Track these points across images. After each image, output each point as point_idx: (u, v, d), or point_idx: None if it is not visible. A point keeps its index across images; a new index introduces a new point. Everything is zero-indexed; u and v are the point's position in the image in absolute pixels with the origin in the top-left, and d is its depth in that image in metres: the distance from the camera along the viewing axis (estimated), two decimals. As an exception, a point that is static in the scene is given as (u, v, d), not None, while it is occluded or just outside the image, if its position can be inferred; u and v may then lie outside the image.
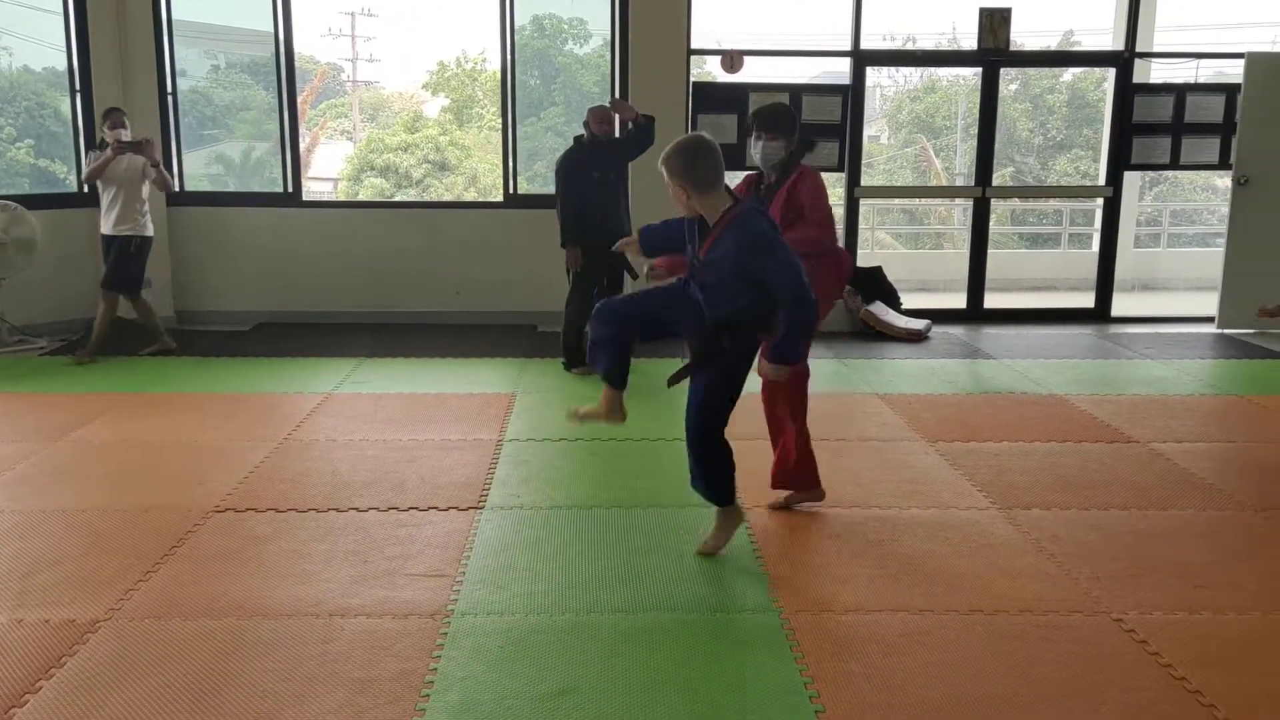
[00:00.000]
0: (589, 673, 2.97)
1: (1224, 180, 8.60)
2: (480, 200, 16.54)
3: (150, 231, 7.08)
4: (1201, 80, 10.27)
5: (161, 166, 7.01)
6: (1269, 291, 8.14)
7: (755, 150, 4.15)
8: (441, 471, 4.70)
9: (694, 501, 4.31)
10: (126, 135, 6.95)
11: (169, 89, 8.15)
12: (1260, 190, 8.10)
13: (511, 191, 8.51)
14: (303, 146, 22.40)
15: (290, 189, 8.39)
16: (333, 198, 21.07)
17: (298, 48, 8.51)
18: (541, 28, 20.09)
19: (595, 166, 6.56)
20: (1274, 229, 8.13)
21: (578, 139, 6.77)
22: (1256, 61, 8.08)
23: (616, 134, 7.07)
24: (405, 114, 24.92)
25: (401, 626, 3.23)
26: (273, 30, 8.14)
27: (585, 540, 3.94)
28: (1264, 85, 7.99)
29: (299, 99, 9.61)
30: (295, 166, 8.42)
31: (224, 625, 3.23)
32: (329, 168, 24.00)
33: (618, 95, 8.28)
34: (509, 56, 8.29)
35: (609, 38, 8.39)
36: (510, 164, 8.45)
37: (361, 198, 20.22)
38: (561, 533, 4.02)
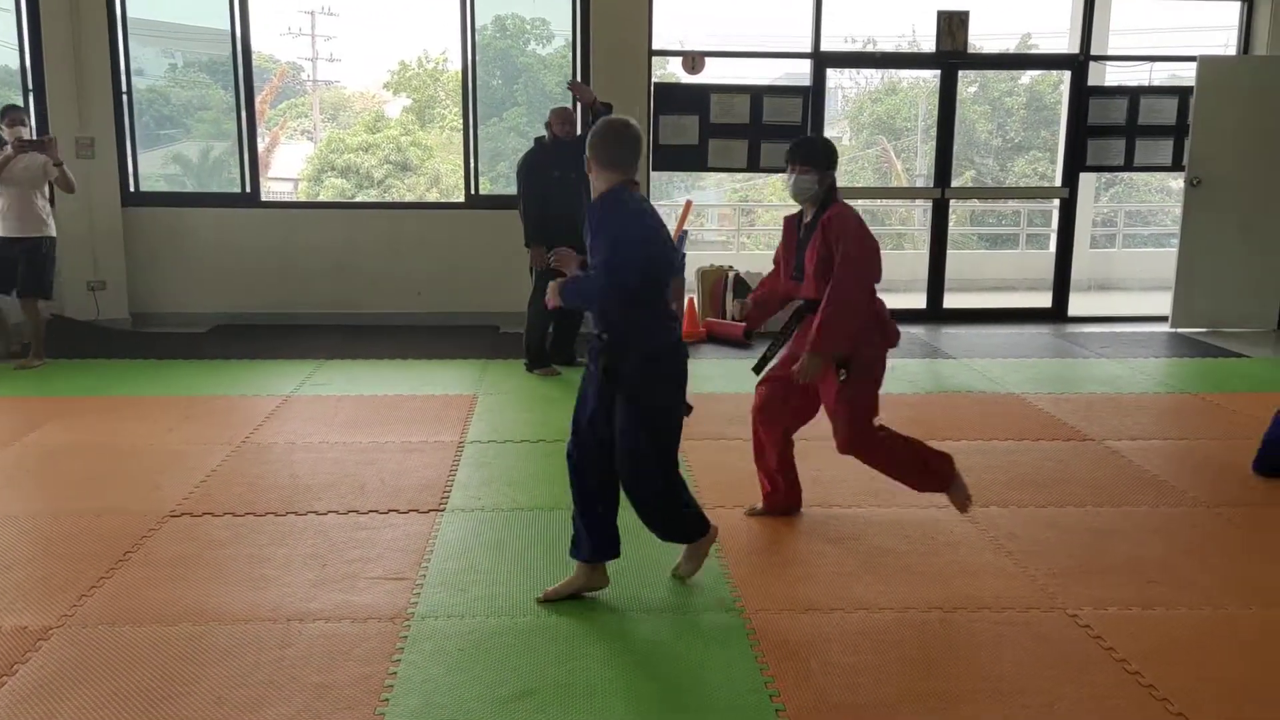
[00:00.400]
0: (550, 675, 2.96)
1: (1177, 182, 8.75)
2: (442, 201, 16.46)
3: (54, 232, 6.91)
4: (1155, 83, 10.45)
5: (65, 166, 6.81)
6: (1221, 291, 8.30)
7: (787, 184, 3.95)
8: (402, 474, 4.67)
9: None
10: (27, 134, 6.80)
11: (124, 88, 8.04)
12: (1212, 191, 8.24)
13: (473, 192, 8.47)
14: (262, 146, 22.17)
15: (248, 189, 8.30)
16: (293, 198, 20.90)
17: (257, 47, 8.42)
18: (504, 28, 20.03)
19: (556, 166, 6.57)
20: (1226, 230, 8.27)
21: (539, 140, 6.79)
22: (1208, 65, 8.22)
23: (579, 134, 7.06)
24: (366, 114, 24.74)
25: (361, 630, 3.20)
26: (230, 29, 8.05)
27: (547, 542, 3.93)
28: (1216, 88, 8.13)
29: (258, 98, 9.51)
30: (253, 166, 8.33)
31: (179, 631, 3.19)
32: (289, 168, 23.77)
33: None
34: (470, 56, 8.26)
35: (571, 38, 8.38)
36: (472, 164, 8.41)
37: (322, 198, 20.05)
38: (523, 535, 4.00)
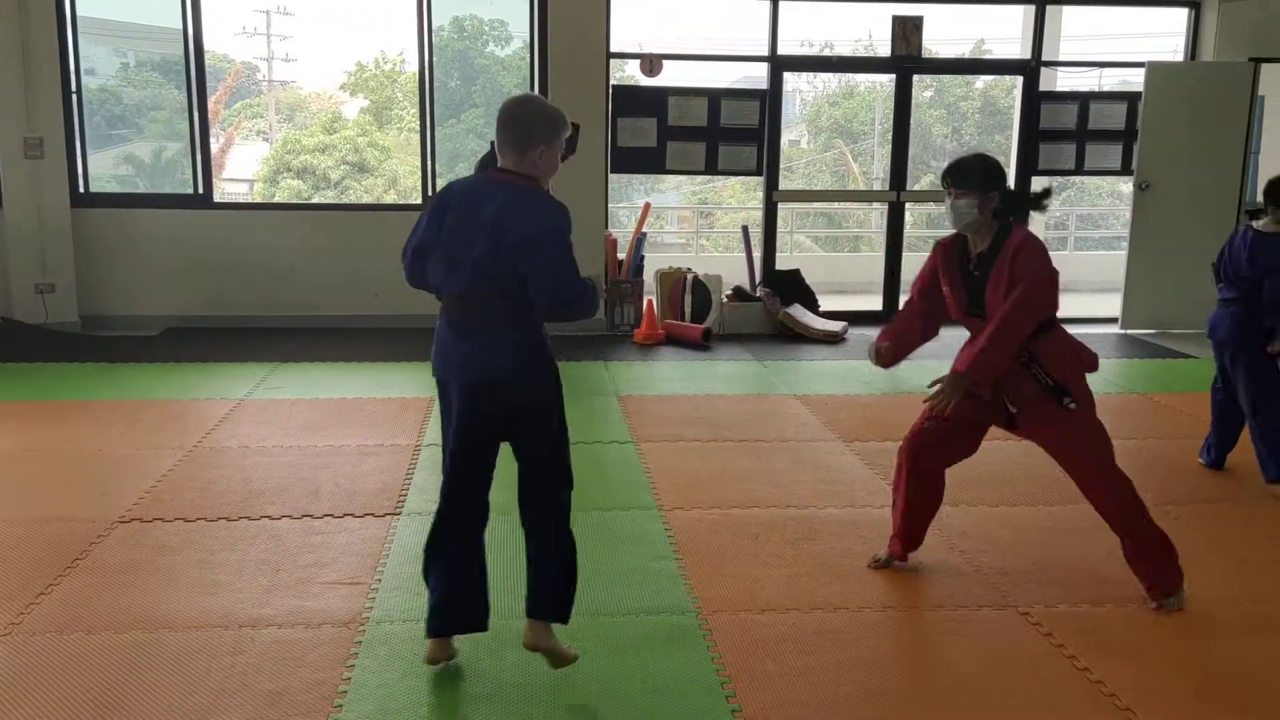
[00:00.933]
0: (506, 678, 2.96)
1: (1127, 186, 8.90)
2: (399, 203, 16.35)
3: None
4: (1105, 88, 10.62)
5: None
6: (1169, 293, 8.45)
7: (947, 210, 3.49)
8: (357, 478, 4.64)
9: (615, 505, 4.33)
10: None
11: (74, 87, 7.90)
12: (1160, 195, 8.39)
13: (431, 194, 8.42)
14: (216, 147, 21.87)
15: (201, 190, 8.19)
16: (249, 199, 20.65)
17: (211, 46, 8.34)
18: (462, 29, 19.96)
19: None
20: (1174, 232, 8.43)
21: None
22: (1157, 70, 8.37)
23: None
24: (323, 114, 24.52)
25: (314, 636, 3.17)
26: (182, 27, 7.95)
27: (504, 545, 3.90)
28: (1164, 93, 8.28)
29: (212, 98, 9.40)
30: (206, 167, 8.22)
31: (129, 639, 3.14)
32: (245, 169, 23.48)
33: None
34: (427, 58, 8.21)
35: (529, 40, 8.36)
36: (429, 166, 8.37)
37: (278, 199, 19.84)
38: (480, 538, 3.98)
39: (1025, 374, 3.42)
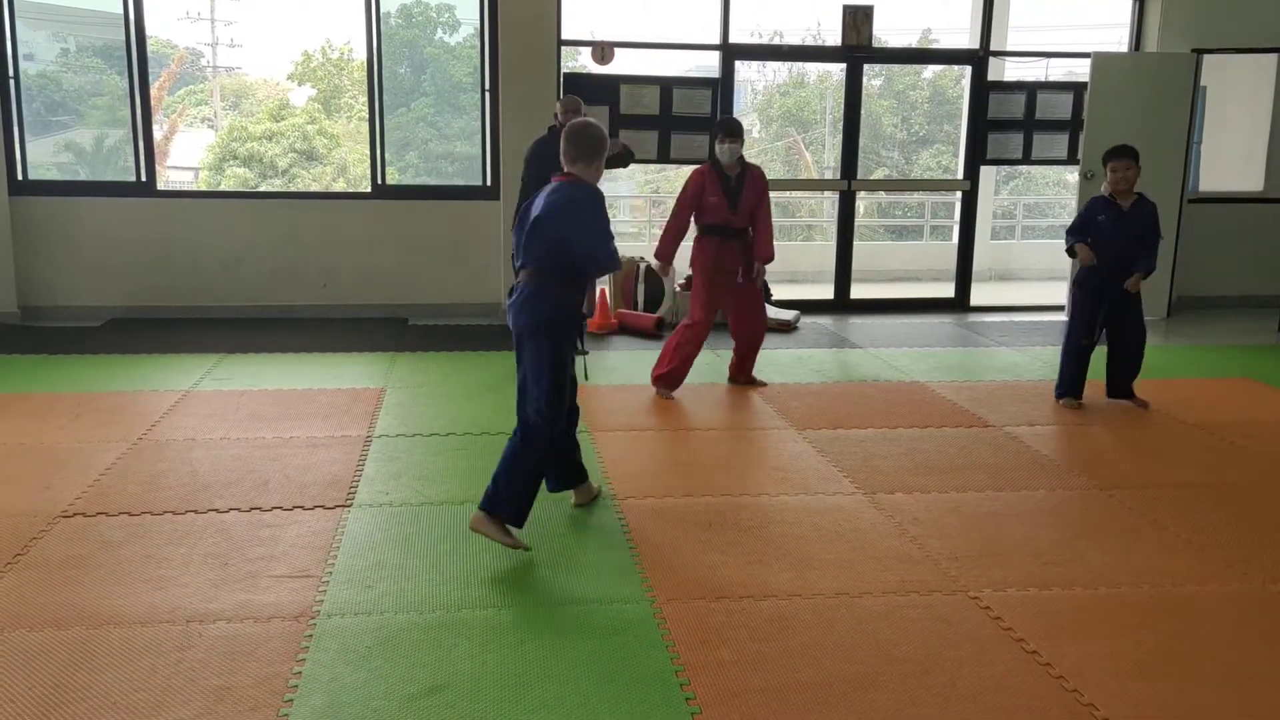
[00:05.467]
0: (460, 670, 2.94)
1: (1073, 175, 9.03)
2: (348, 191, 16.16)
3: None
4: (1051, 79, 10.75)
5: None
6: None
7: (723, 151, 5.89)
8: (307, 469, 4.58)
9: (566, 496, 4.32)
10: None
11: (11, 72, 7.71)
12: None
13: (380, 182, 8.33)
14: (160, 134, 21.46)
15: (143, 178, 8.03)
16: (193, 187, 20.29)
17: (154, 31, 8.17)
18: (410, 16, 19.72)
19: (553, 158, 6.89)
20: (1118, 222, 8.53)
21: (551, 128, 6.99)
22: (1101, 61, 8.49)
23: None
24: (270, 101, 24.12)
25: (264, 630, 3.13)
26: (123, 12, 7.78)
27: (456, 536, 3.89)
28: (1108, 84, 8.40)
29: (155, 85, 9.21)
30: (149, 155, 8.06)
31: (72, 635, 3.08)
32: (189, 156, 23.05)
33: (487, 85, 8.20)
34: (375, 45, 8.11)
35: (478, 27, 8.28)
36: (378, 154, 8.27)
37: (224, 188, 19.50)
38: (432, 529, 3.96)
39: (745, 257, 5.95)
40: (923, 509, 4.26)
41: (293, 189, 19.27)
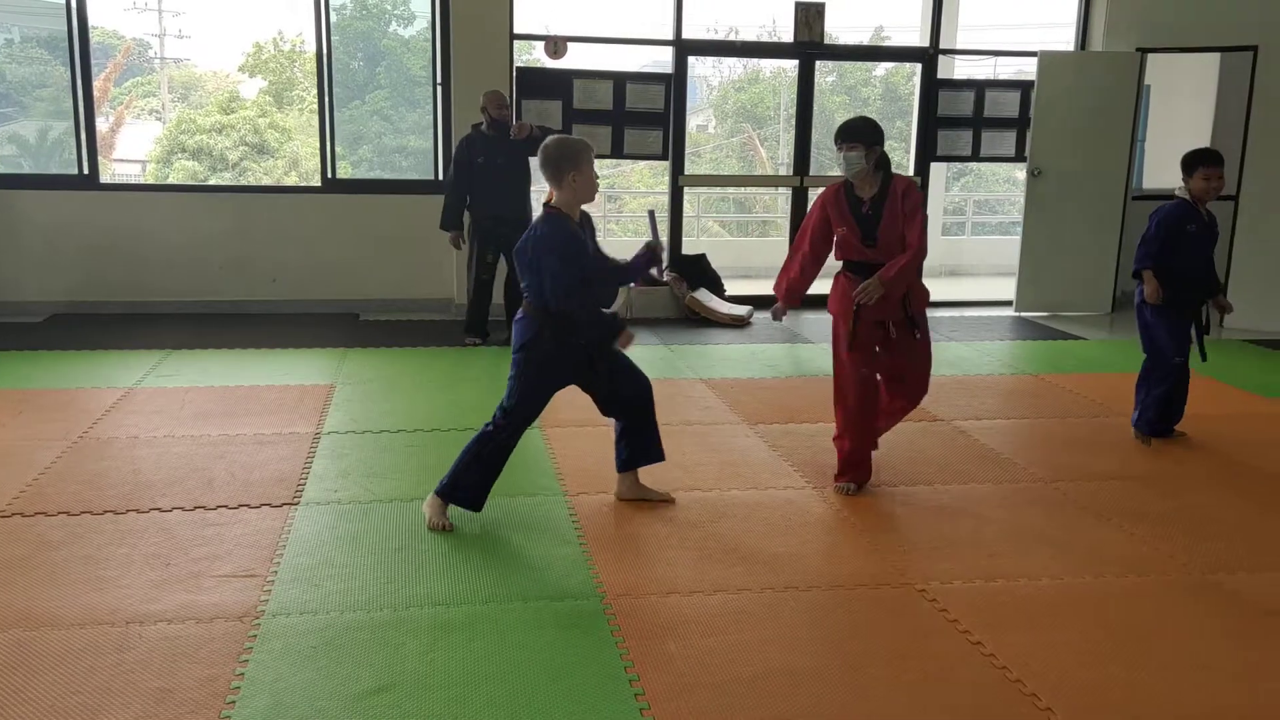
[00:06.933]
0: (407, 668, 2.91)
1: (1021, 172, 9.14)
2: (301, 185, 15.98)
3: None
4: (1000, 77, 10.89)
5: None
6: (1060, 277, 8.71)
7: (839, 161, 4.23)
8: (254, 467, 4.52)
9: (521, 491, 4.30)
10: None
11: (-53, 61, 7.52)
12: (1052, 182, 8.64)
13: (330, 176, 8.23)
14: (106, 126, 21.02)
15: (86, 171, 7.87)
16: (140, 180, 19.93)
17: (100, 21, 8.04)
18: (365, 8, 19.53)
19: (481, 152, 6.98)
20: (1064, 218, 8.68)
21: (475, 125, 7.11)
22: (1048, 60, 8.60)
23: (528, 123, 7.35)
24: (220, 94, 23.75)
25: (206, 631, 3.08)
26: (65, 1, 7.61)
27: (405, 534, 3.86)
28: (1055, 82, 8.52)
29: (101, 76, 9.03)
30: (91, 147, 7.90)
31: (8, 638, 3.01)
32: (137, 149, 22.64)
33: (439, 79, 8.14)
34: (325, 36, 8.01)
35: (431, 20, 8.21)
36: (328, 148, 8.17)
37: (172, 181, 19.19)
38: (381, 527, 3.92)
39: (899, 305, 4.30)
40: (872, 503, 4.29)
41: (244, 183, 19.02)
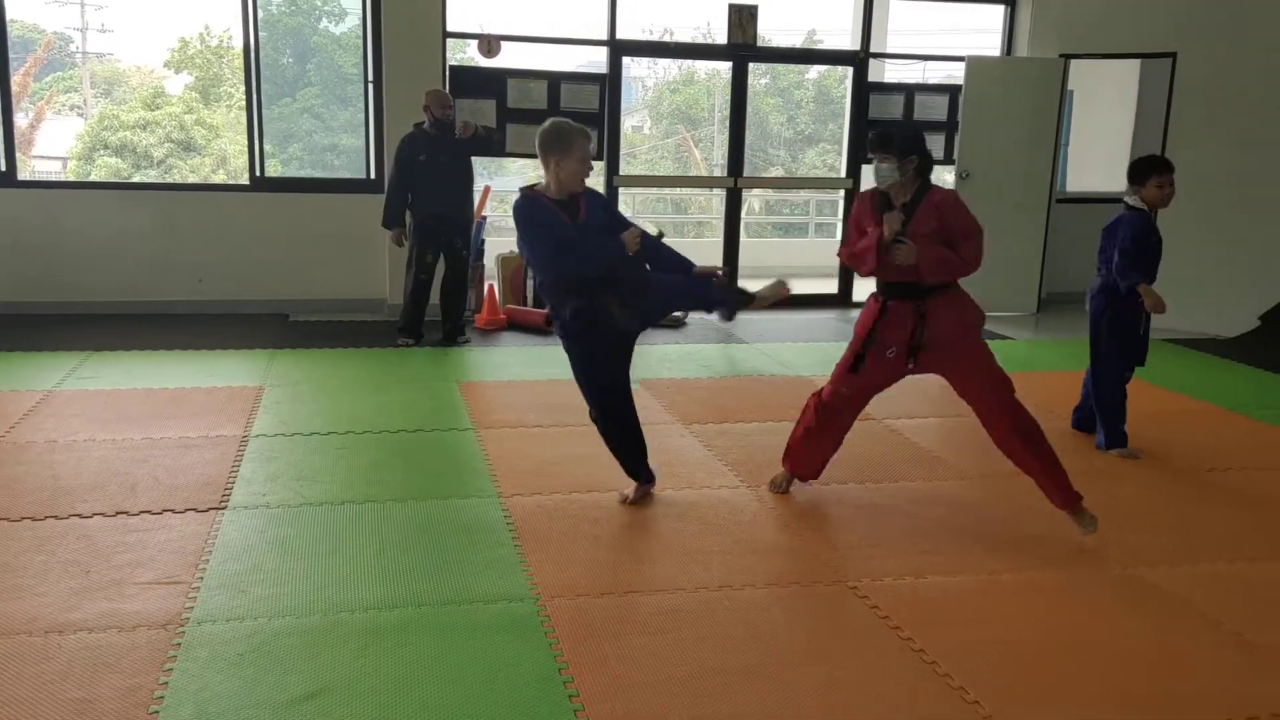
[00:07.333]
0: (337, 674, 2.86)
1: (950, 174, 9.30)
2: (228, 183, 15.67)
3: None
4: (929, 81, 11.06)
5: None
6: (987, 277, 8.86)
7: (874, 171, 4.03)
8: (179, 471, 4.41)
9: (454, 494, 4.27)
10: None
11: None
12: (979, 184, 8.79)
13: (259, 174, 8.08)
14: (25, 122, 20.39)
15: (4, 168, 7.63)
16: (60, 178, 19.38)
17: (20, 15, 7.77)
18: (294, 4, 19.22)
19: (423, 150, 6.92)
20: (992, 220, 8.73)
21: (417, 124, 7.05)
22: (975, 65, 8.76)
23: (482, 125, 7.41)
24: (144, 90, 23.18)
25: (129, 640, 3.00)
26: (-22, -9, 7.37)
27: (336, 538, 3.80)
28: (982, 87, 8.68)
29: (21, 71, 8.76)
30: (9, 144, 7.66)
31: (-83, 652, 2.90)
32: (58, 145, 22.00)
33: (371, 77, 8.04)
34: (252, 32, 7.86)
35: (362, 17, 8.10)
36: (257, 146, 8.02)
37: (94, 178, 18.68)
38: (310, 531, 3.85)
39: (912, 326, 3.99)
40: (805, 501, 4.33)
41: (169, 180, 18.59)
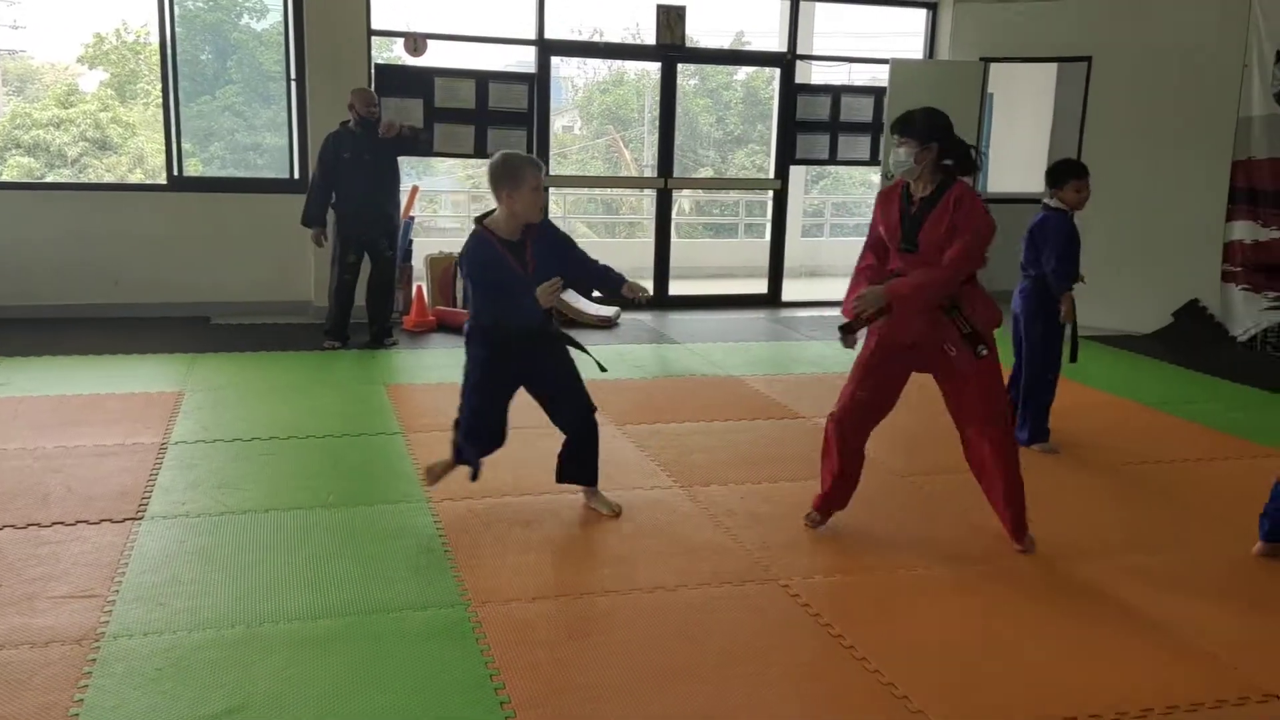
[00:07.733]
0: (260, 687, 2.79)
1: (876, 175, 9.43)
2: (145, 183, 15.26)
3: None
4: (855, 83, 11.19)
5: None
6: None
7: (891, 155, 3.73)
8: (94, 481, 4.27)
9: (381, 499, 4.20)
10: None
11: None
12: (905, 185, 8.92)
13: (177, 173, 7.88)
14: (-71, 119, 19.62)
15: (-95, 167, 7.34)
16: (-32, 178, 18.70)
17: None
18: (215, 0, 18.78)
19: (347, 149, 6.85)
20: (917, 220, 8.97)
21: (343, 123, 6.97)
22: (898, 67, 8.89)
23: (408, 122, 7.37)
24: (57, 86, 22.48)
25: (41, 656, 2.89)
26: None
27: (260, 547, 3.71)
28: (905, 88, 8.80)
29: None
30: (-89, 141, 7.36)
31: None
32: (-34, 145, 21.21)
33: (294, 75, 7.88)
34: (168, 28, 7.67)
35: (284, 13, 7.94)
36: (174, 144, 7.82)
37: (6, 178, 18.07)
38: (233, 540, 3.76)
39: (948, 321, 3.71)
40: (737, 500, 4.35)
41: (84, 180, 18.04)
